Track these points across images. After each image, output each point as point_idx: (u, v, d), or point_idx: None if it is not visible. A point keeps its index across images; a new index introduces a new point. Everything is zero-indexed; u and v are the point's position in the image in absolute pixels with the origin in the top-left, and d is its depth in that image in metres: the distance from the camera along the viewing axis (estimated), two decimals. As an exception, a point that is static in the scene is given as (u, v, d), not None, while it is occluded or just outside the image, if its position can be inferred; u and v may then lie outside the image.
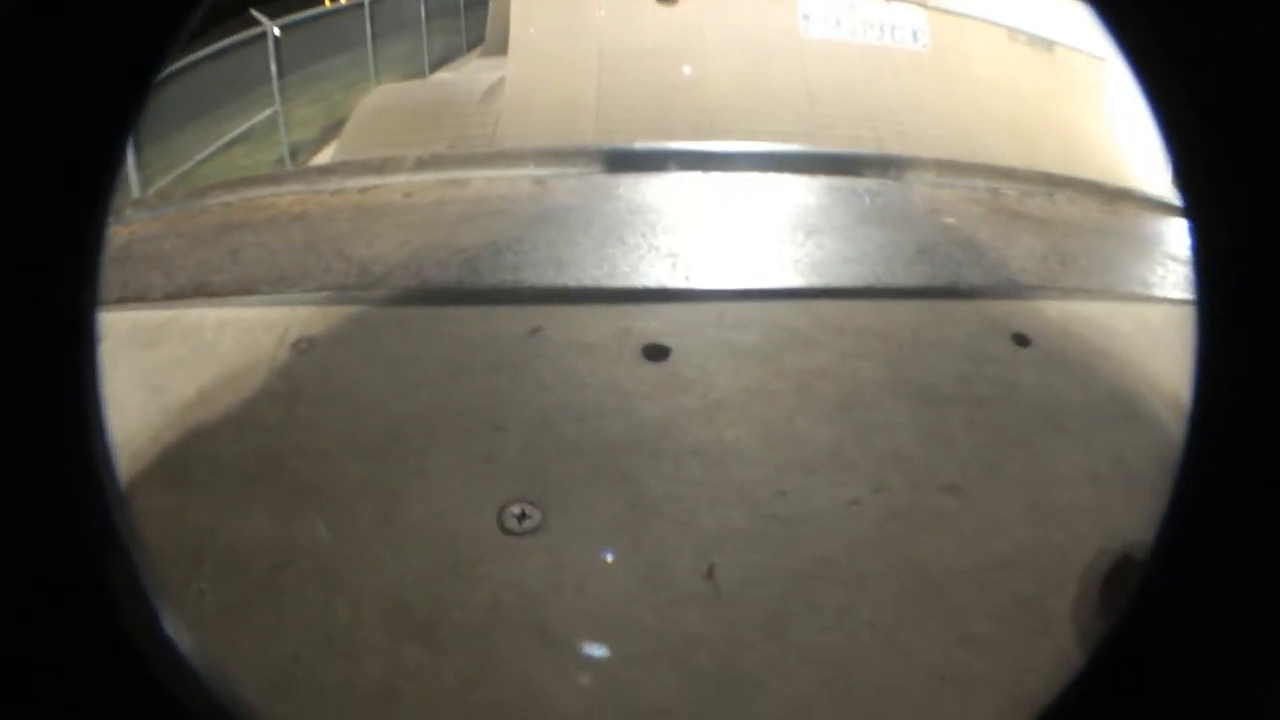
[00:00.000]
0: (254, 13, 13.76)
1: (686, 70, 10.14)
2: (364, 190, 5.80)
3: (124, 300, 4.84)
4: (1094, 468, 3.98)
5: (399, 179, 5.96)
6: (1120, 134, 16.10)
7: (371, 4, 17.76)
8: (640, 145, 7.78)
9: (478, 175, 6.13)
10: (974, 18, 19.78)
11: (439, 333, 4.80)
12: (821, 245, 5.69)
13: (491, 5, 20.03)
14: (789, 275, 5.54)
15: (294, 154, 13.62)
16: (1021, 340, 4.64)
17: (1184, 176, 1.07)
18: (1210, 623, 1.10)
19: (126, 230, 5.97)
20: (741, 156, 6.70)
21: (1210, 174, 1.04)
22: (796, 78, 13.89)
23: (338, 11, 17.74)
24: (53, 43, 0.97)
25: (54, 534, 1.05)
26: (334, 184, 6.14)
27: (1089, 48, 17.34)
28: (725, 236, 6.21)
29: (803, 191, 6.06)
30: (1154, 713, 1.14)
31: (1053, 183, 6.37)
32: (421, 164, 6.24)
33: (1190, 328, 1.04)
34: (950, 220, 5.48)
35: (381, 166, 6.47)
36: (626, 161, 6.58)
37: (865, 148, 12.77)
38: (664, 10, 14.24)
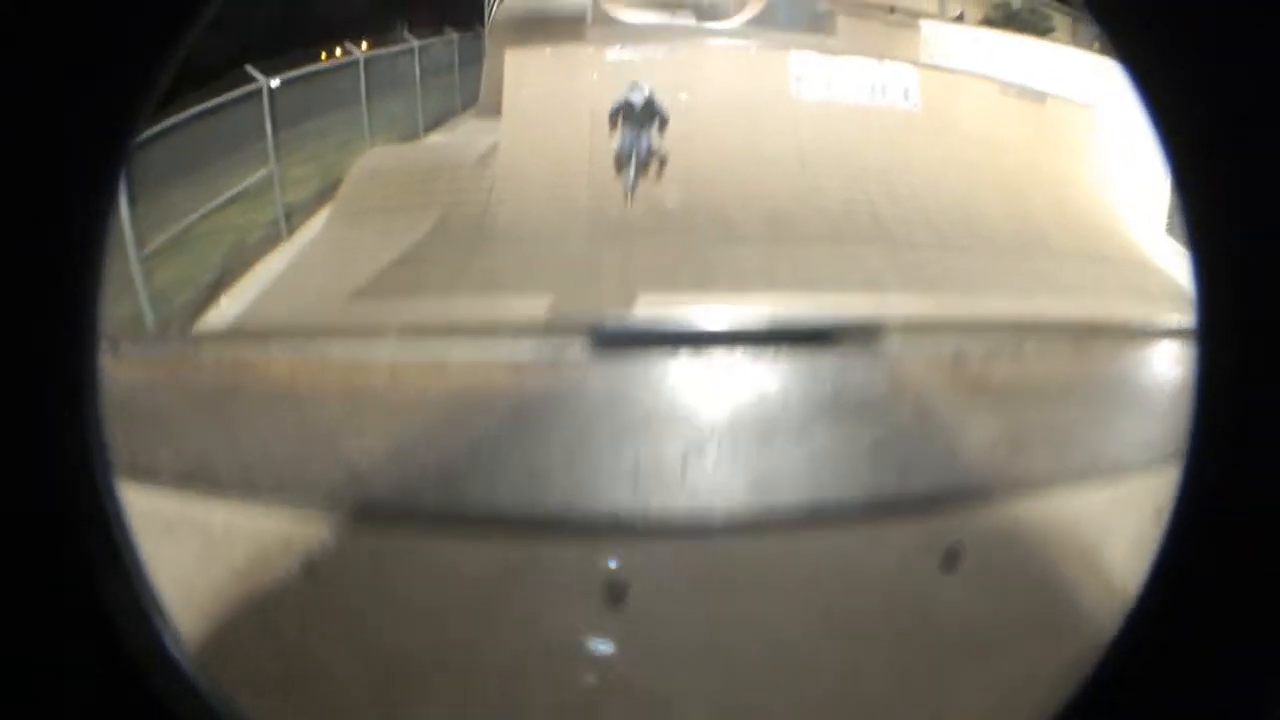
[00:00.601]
0: (249, 69, 13.81)
1: (666, 133, 10.32)
2: (350, 366, 5.86)
3: (135, 471, 4.86)
4: (1003, 692, 4.00)
5: (383, 353, 6.00)
6: (1110, 180, 16.21)
7: (366, 62, 17.81)
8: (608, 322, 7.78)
9: (459, 356, 6.16)
10: (966, 73, 19.92)
11: (421, 563, 4.85)
12: (771, 453, 5.68)
13: (485, 66, 20.27)
14: (735, 494, 5.51)
15: (288, 215, 13.58)
16: (952, 557, 4.61)
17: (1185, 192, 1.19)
18: (1212, 631, 1.18)
19: (126, 372, 5.99)
20: (708, 336, 6.73)
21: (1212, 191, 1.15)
22: (788, 139, 13.97)
23: (332, 69, 17.81)
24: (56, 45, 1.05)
25: (56, 552, 1.12)
26: (320, 350, 6.18)
27: (1079, 95, 17.60)
28: (681, 444, 6.20)
29: (764, 375, 6.06)
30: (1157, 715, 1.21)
31: (1022, 330, 6.35)
32: (405, 333, 6.28)
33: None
34: (905, 406, 5.49)
35: (367, 331, 6.50)
36: (611, 340, 6.62)
37: (856, 215, 12.92)
38: (655, 72, 14.43)
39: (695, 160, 12.94)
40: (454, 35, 23.19)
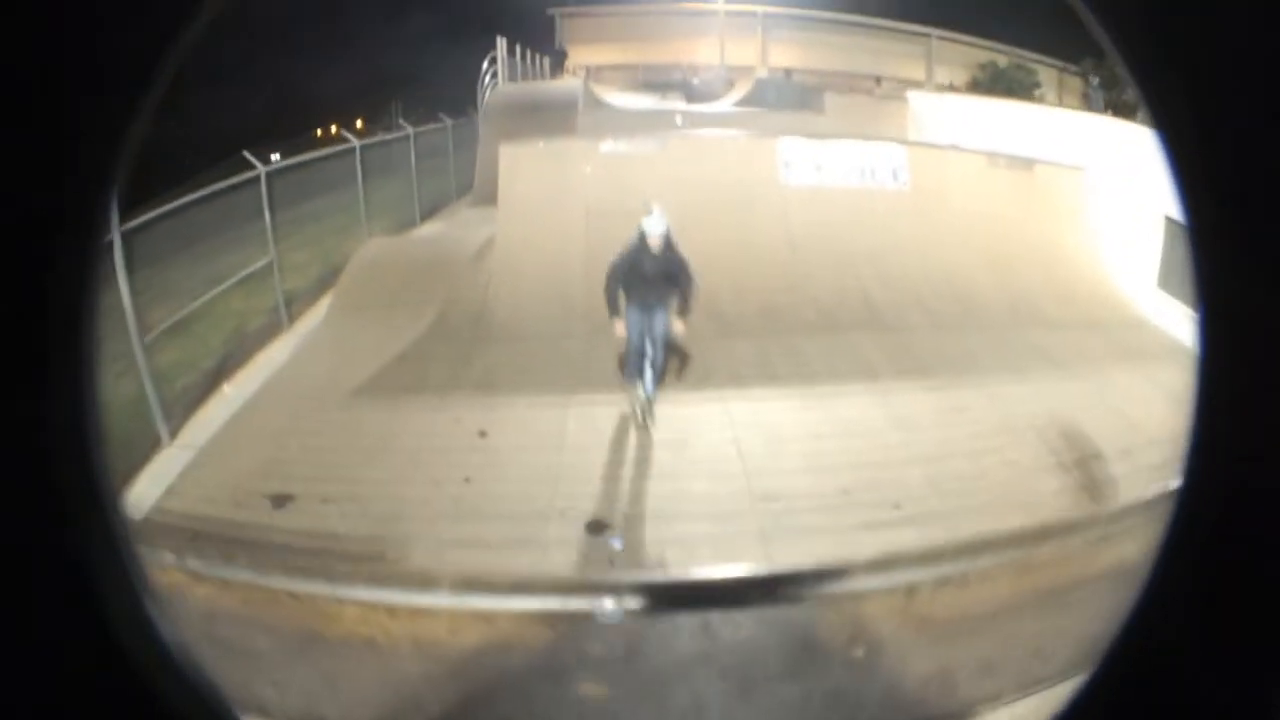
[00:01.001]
0: (247, 154, 13.86)
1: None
2: (415, 615, 6.02)
3: (247, 707, 5.02)
4: None
5: (442, 602, 6.15)
6: (1100, 241, 16.60)
7: (362, 147, 17.78)
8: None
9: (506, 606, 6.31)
10: (953, 147, 19.97)
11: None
12: (749, 708, 5.81)
13: (479, 153, 20.67)
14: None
15: (289, 301, 13.54)
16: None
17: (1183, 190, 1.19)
18: (1213, 630, 1.19)
19: (204, 594, 6.09)
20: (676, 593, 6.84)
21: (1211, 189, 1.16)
22: (778, 226, 14.05)
23: (327, 157, 17.77)
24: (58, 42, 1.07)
25: (55, 556, 1.15)
26: (382, 596, 6.32)
27: (1067, 157, 17.69)
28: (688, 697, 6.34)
29: (728, 634, 6.16)
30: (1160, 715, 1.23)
31: (972, 551, 6.42)
32: (457, 586, 6.41)
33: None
34: (859, 653, 5.61)
35: (427, 582, 6.59)
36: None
37: (848, 301, 12.94)
38: (647, 165, 14.43)
39: (688, 253, 12.99)
40: (448, 121, 23.12)
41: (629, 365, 10.37)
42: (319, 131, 29.42)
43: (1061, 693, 1.26)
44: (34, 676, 1.14)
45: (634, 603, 6.08)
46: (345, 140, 17.94)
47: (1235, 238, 1.15)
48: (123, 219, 9.72)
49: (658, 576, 6.81)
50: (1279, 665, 1.16)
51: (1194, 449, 1.21)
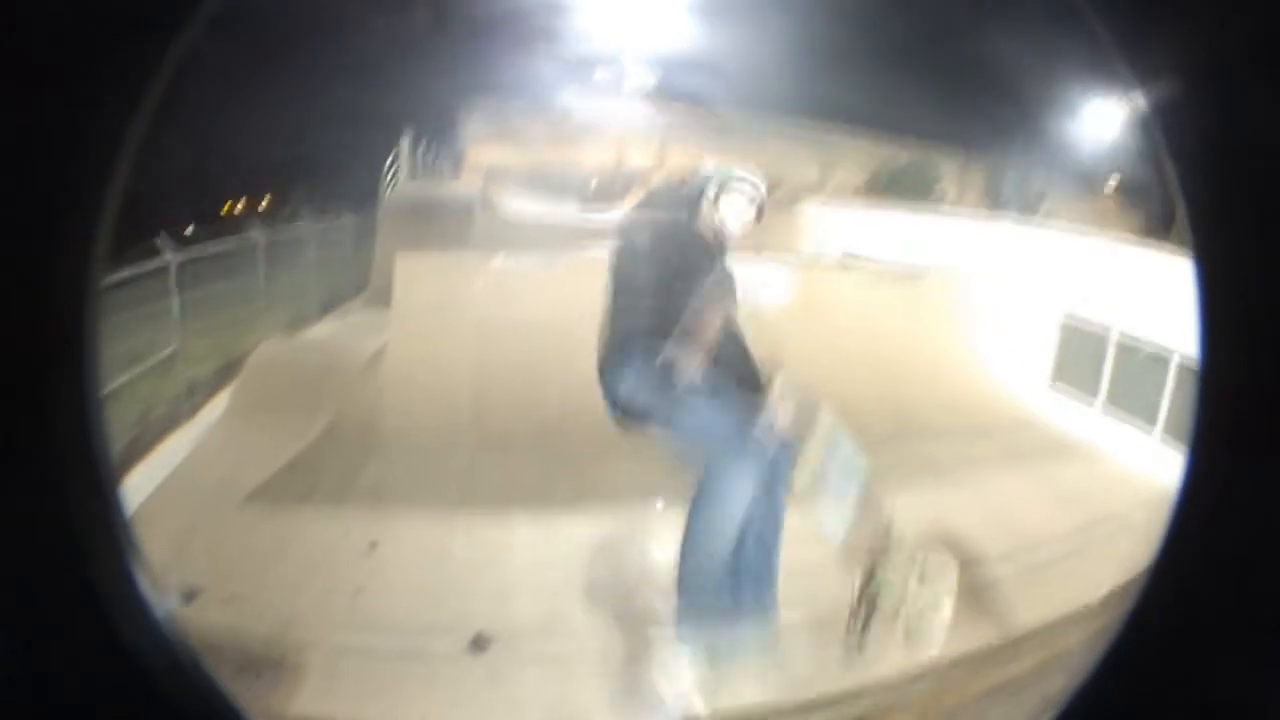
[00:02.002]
0: (156, 242, 14.04)
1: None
2: None
3: None
4: None
5: None
6: (990, 345, 17.27)
7: (266, 241, 18.02)
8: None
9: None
10: (840, 259, 20.51)
11: None
12: None
13: (377, 253, 20.80)
14: None
15: (191, 391, 13.69)
16: None
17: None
18: (1212, 627, 1.29)
19: None
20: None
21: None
22: None
23: (232, 250, 17.80)
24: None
25: (55, 543, 1.24)
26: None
27: (960, 262, 18.73)
28: None
29: None
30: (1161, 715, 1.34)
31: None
32: None
33: None
34: None
35: None
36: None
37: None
38: (542, 280, 14.71)
39: (574, 373, 13.13)
40: (349, 216, 23.70)
41: (698, 581, 5.60)
42: (230, 206, 29.38)
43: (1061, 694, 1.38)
44: (37, 675, 1.24)
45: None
46: (250, 223, 18.79)
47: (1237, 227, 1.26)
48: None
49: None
50: (1278, 665, 1.27)
51: (1194, 452, 1.31)
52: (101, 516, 1.33)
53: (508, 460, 11.87)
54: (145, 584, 1.39)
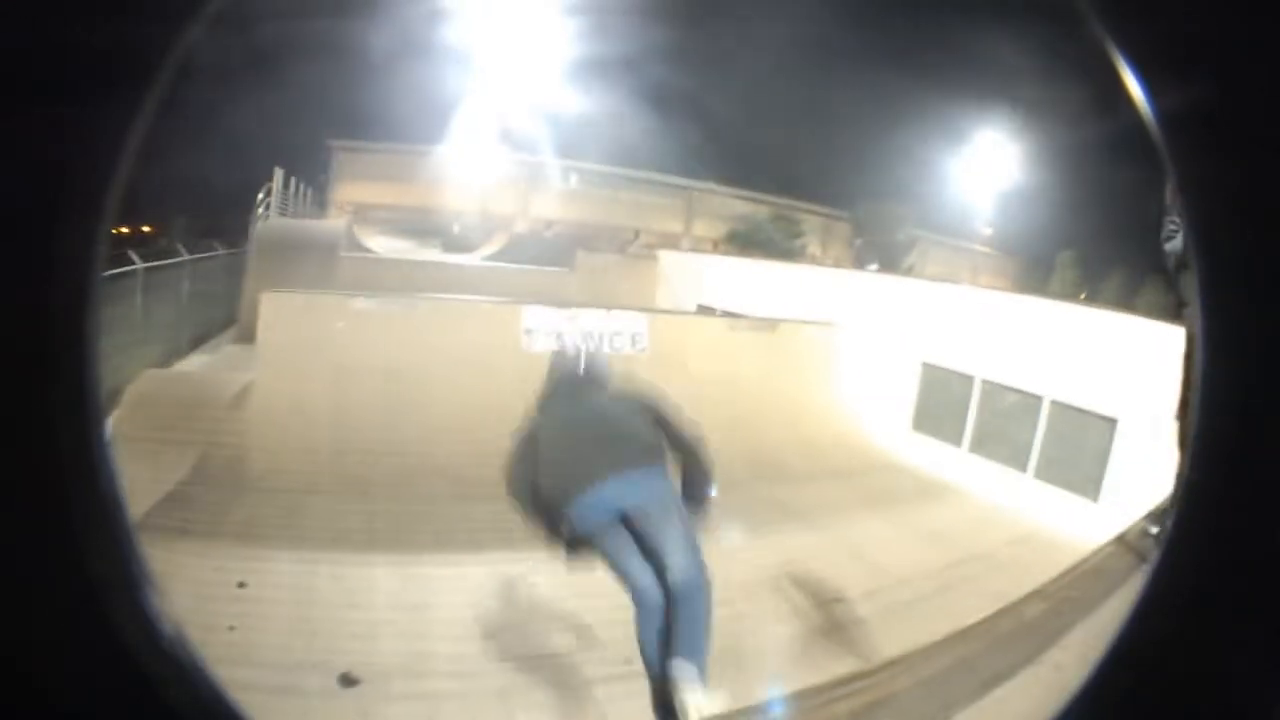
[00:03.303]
0: None
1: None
2: None
3: None
4: None
5: None
6: (848, 392, 17.92)
7: (143, 270, 17.78)
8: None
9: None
10: (695, 312, 20.91)
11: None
12: None
13: (245, 288, 20.83)
14: None
15: None
16: None
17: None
18: (1212, 632, 1.23)
19: None
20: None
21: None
22: (516, 392, 13.59)
23: (112, 276, 17.44)
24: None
25: (54, 542, 1.20)
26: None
27: (818, 312, 19.16)
28: None
29: None
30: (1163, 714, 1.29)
31: None
32: None
33: None
34: None
35: None
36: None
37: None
38: (396, 324, 15.03)
39: (431, 416, 13.47)
40: (221, 250, 23.60)
41: (645, 632, 5.71)
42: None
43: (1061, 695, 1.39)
44: (36, 675, 1.20)
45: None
46: (127, 254, 18.15)
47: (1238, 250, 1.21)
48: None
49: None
50: (1278, 666, 1.22)
51: (1193, 457, 1.25)
52: (102, 518, 1.28)
53: (368, 504, 12.07)
54: (146, 586, 1.35)
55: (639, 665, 5.70)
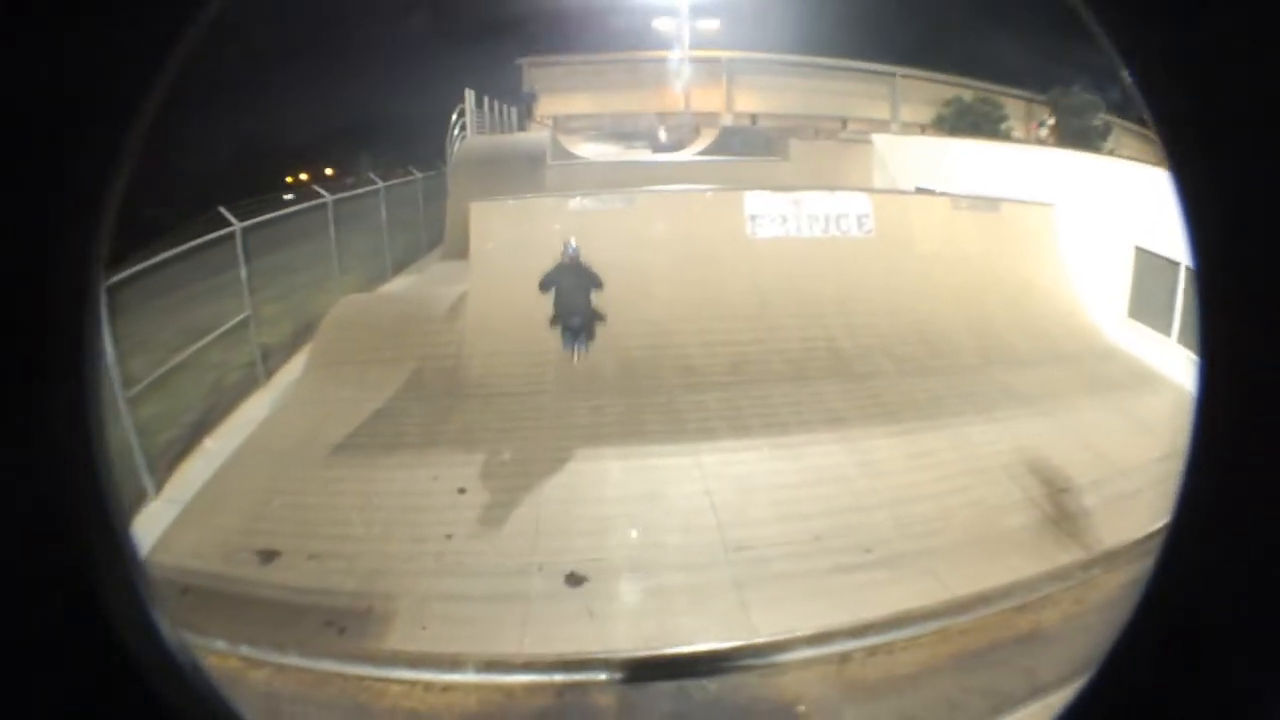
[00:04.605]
0: (222, 210, 13.79)
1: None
2: (447, 689, 6.20)
3: None
4: None
5: (469, 679, 6.30)
6: (1068, 275, 16.76)
7: (334, 201, 17.56)
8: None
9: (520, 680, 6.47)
10: (918, 192, 20.09)
11: None
12: None
13: (449, 207, 20.74)
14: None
15: (265, 357, 13.51)
16: None
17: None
18: (1211, 633, 1.23)
19: (282, 682, 6.21)
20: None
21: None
22: (746, 280, 14.25)
23: (301, 212, 17.46)
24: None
25: (55, 548, 1.19)
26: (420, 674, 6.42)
27: (1034, 193, 17.86)
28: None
29: (699, 696, 6.38)
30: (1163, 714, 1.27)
31: (898, 624, 6.49)
32: (480, 666, 6.54)
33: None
34: (801, 709, 5.82)
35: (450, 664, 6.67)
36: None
37: (815, 351, 13.18)
38: (618, 220, 14.76)
39: (657, 309, 13.09)
40: (417, 173, 23.28)
41: (564, 335, 13.22)
42: (289, 179, 29.21)
43: (1060, 699, 1.37)
44: (41, 685, 1.18)
45: (622, 674, 6.28)
46: (315, 191, 17.93)
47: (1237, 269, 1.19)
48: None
49: (641, 652, 6.92)
50: (1277, 670, 1.20)
51: (1192, 459, 1.25)
52: (102, 519, 1.25)
53: (593, 399, 11.83)
54: (146, 588, 1.30)
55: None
